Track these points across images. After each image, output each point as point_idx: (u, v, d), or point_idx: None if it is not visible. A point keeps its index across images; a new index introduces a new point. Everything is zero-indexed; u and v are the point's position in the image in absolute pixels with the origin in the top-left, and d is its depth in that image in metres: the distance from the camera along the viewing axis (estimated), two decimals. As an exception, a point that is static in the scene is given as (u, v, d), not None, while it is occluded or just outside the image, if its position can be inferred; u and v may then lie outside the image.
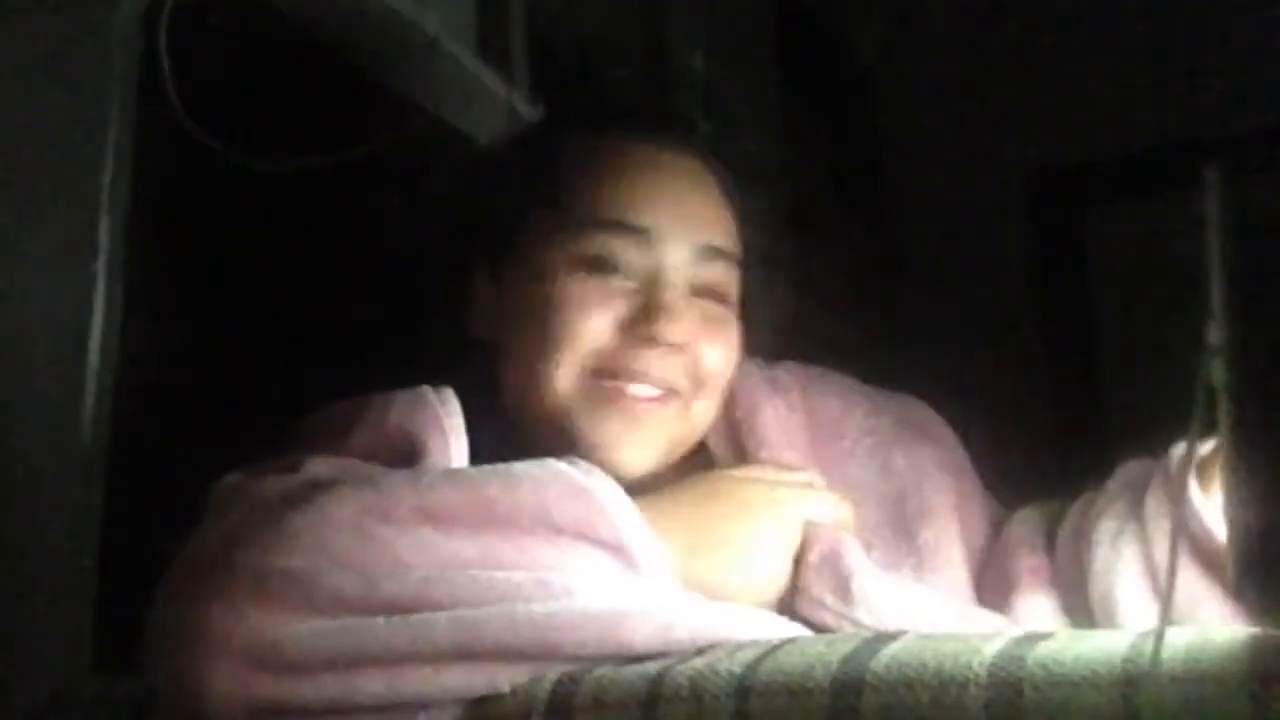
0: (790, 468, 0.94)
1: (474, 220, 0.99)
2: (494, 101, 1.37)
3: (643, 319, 0.90)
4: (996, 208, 2.70)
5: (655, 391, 0.90)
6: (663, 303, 0.90)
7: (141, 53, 1.04)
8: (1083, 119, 2.61)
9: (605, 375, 0.89)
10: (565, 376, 0.89)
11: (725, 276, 0.95)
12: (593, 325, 0.89)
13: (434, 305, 1.04)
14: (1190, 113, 2.46)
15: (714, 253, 0.94)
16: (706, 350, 0.92)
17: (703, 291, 0.93)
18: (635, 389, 0.89)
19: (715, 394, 0.94)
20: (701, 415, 0.94)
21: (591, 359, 0.89)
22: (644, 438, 0.90)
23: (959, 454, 1.02)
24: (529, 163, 0.97)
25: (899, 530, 0.95)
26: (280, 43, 1.21)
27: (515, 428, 0.93)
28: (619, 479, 0.81)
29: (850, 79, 2.70)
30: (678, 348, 0.90)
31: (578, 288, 0.90)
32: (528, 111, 1.41)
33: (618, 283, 0.91)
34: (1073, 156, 2.66)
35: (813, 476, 0.93)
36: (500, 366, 0.94)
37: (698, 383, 0.92)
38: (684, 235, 0.93)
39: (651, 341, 0.89)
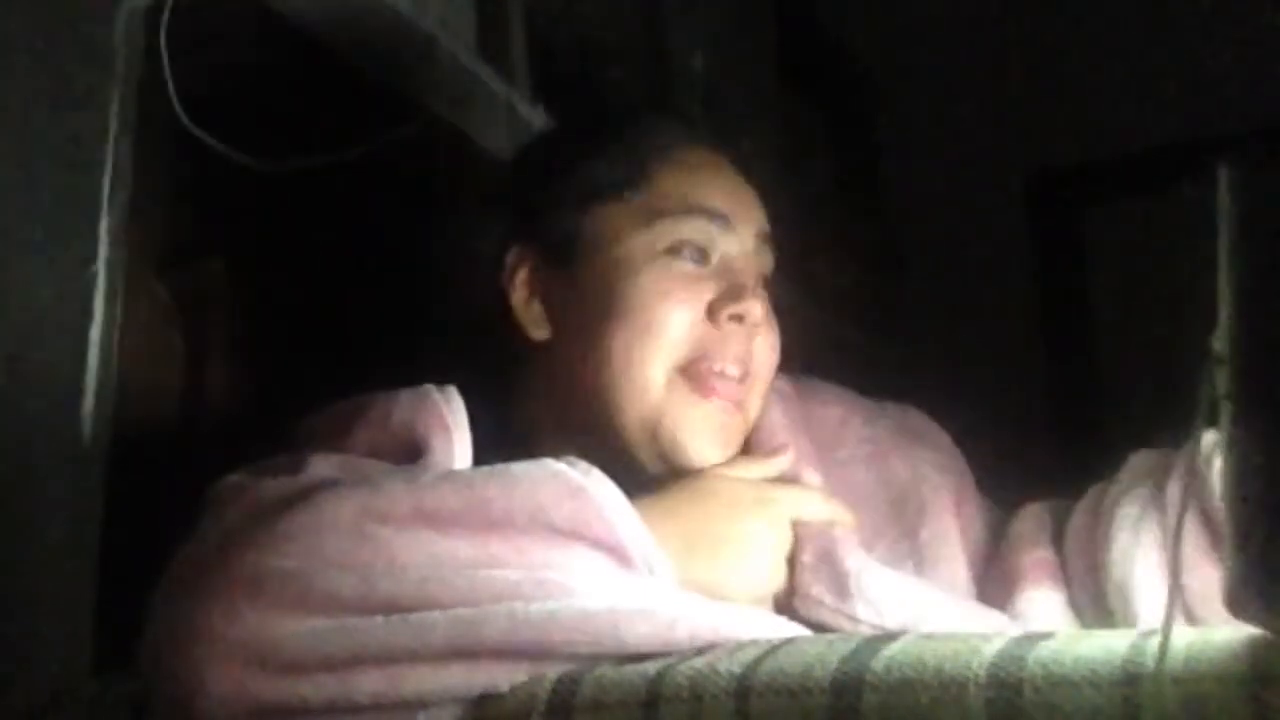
0: (773, 453, 0.94)
1: (519, 220, 0.99)
2: (494, 101, 1.37)
3: (729, 300, 0.92)
4: (996, 208, 2.70)
5: (737, 371, 0.92)
6: (745, 283, 0.93)
7: (141, 53, 1.04)
8: (1083, 119, 2.61)
9: (691, 363, 0.91)
10: (659, 366, 0.91)
11: (771, 267, 0.98)
12: (684, 312, 0.91)
13: (458, 307, 1.04)
14: (1190, 113, 2.46)
15: (770, 240, 0.98)
16: (767, 340, 0.95)
17: (758, 280, 0.96)
18: (721, 369, 0.91)
19: (764, 388, 0.96)
20: (752, 410, 0.95)
21: (681, 348, 0.91)
22: (726, 434, 0.92)
23: (957, 459, 1.02)
24: (589, 160, 0.98)
25: (900, 532, 0.95)
26: (280, 43, 1.21)
27: (531, 428, 0.94)
28: (684, 469, 0.88)
29: (850, 80, 2.70)
30: (752, 331, 0.93)
31: (666, 277, 0.92)
32: (528, 111, 1.41)
33: (702, 269, 0.93)
34: (1073, 156, 2.66)
35: (790, 457, 0.94)
36: (557, 366, 0.94)
37: (754, 374, 0.94)
38: (752, 222, 0.96)
39: (738, 319, 0.92)
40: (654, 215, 0.94)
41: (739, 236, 0.95)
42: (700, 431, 0.91)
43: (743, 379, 0.93)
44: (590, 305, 0.93)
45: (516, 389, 0.98)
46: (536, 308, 0.96)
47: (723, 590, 0.83)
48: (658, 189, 0.95)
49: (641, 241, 0.93)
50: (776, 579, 0.87)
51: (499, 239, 0.99)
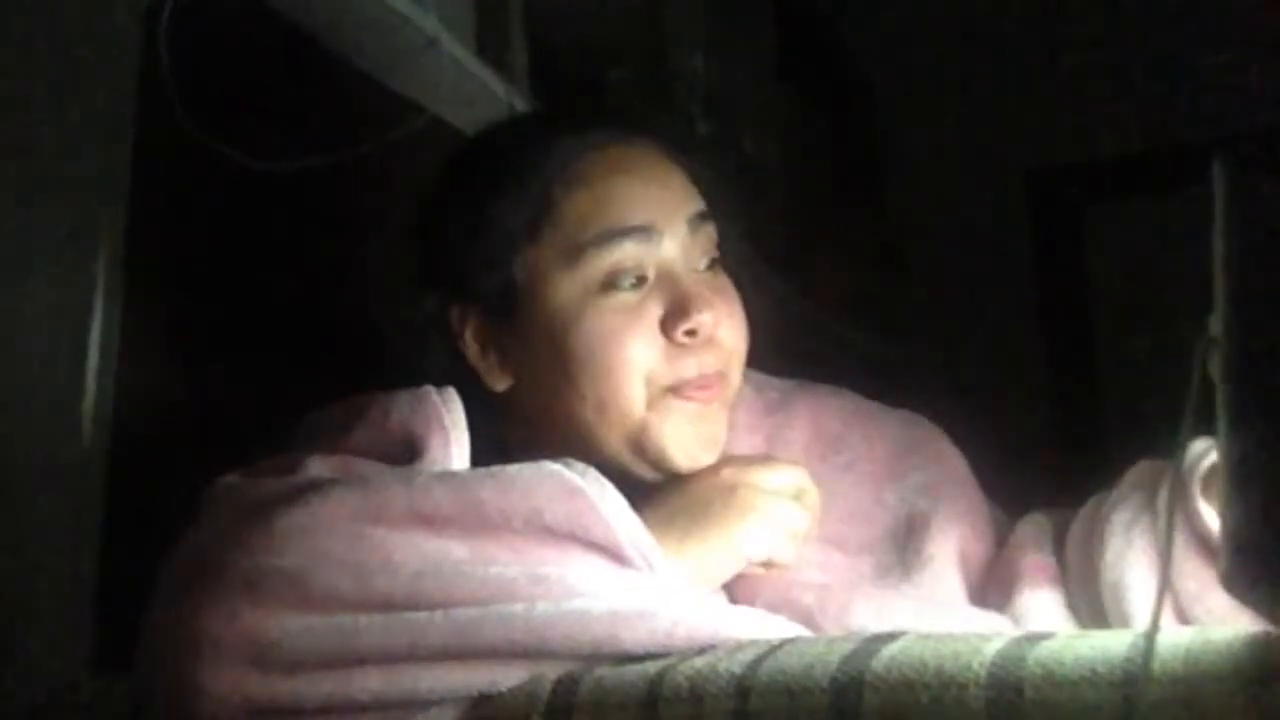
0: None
1: (452, 276, 0.94)
2: (494, 101, 1.37)
3: (677, 318, 0.88)
4: (997, 208, 2.71)
5: (711, 383, 0.90)
6: (689, 292, 0.89)
7: (141, 53, 1.04)
8: (1083, 119, 2.62)
9: (664, 379, 0.88)
10: (633, 392, 0.88)
11: (716, 237, 0.94)
12: (638, 342, 0.88)
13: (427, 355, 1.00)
14: (1190, 113, 2.46)
15: (702, 218, 0.93)
16: (729, 325, 0.92)
17: (705, 262, 0.92)
18: (698, 388, 0.89)
19: (740, 369, 0.94)
20: (733, 387, 0.93)
21: (648, 371, 0.88)
22: (712, 434, 0.90)
23: (963, 470, 1.01)
24: (495, 200, 0.93)
25: (898, 543, 0.95)
26: (280, 43, 1.21)
27: (521, 443, 0.92)
28: (674, 474, 0.88)
29: (850, 79, 2.70)
30: (711, 338, 0.90)
31: (609, 314, 0.88)
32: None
33: (640, 292, 0.89)
34: (1073, 156, 2.67)
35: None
36: (527, 410, 0.92)
37: (729, 360, 0.92)
38: (676, 215, 0.91)
39: (693, 334, 0.88)
40: (575, 251, 0.89)
41: (669, 238, 0.90)
42: (686, 440, 0.89)
43: (718, 385, 0.91)
44: (545, 358, 0.90)
45: (497, 414, 0.94)
46: (493, 358, 0.93)
47: (724, 572, 0.85)
48: (569, 217, 0.90)
49: (572, 282, 0.89)
50: (770, 544, 0.87)
51: (437, 299, 0.94)
